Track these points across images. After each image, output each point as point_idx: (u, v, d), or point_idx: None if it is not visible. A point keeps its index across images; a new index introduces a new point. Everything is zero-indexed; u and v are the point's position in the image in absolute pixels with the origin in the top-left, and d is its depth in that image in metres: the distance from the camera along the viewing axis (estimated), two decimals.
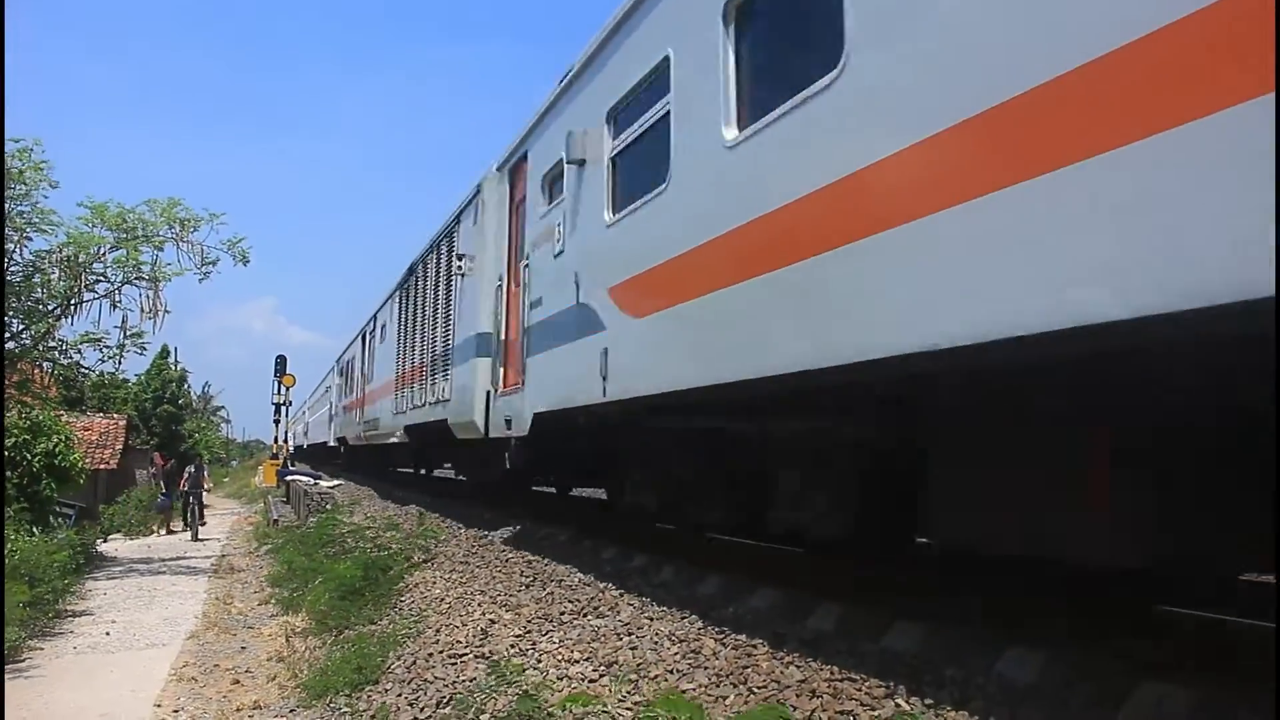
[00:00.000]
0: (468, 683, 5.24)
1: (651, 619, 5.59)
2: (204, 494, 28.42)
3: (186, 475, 25.28)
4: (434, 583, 8.53)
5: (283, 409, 34.82)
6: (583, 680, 4.77)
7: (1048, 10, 2.96)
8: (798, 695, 3.90)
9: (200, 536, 23.47)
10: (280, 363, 34.28)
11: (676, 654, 4.82)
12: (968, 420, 4.16)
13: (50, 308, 15.61)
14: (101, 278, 15.83)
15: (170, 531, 26.06)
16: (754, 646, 4.66)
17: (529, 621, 6.24)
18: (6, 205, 14.22)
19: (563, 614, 6.22)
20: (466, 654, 5.86)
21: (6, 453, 15.12)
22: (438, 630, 6.71)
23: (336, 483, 23.29)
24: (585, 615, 6.09)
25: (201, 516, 27.57)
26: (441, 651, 6.10)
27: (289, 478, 26.05)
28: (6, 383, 15.43)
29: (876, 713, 3.58)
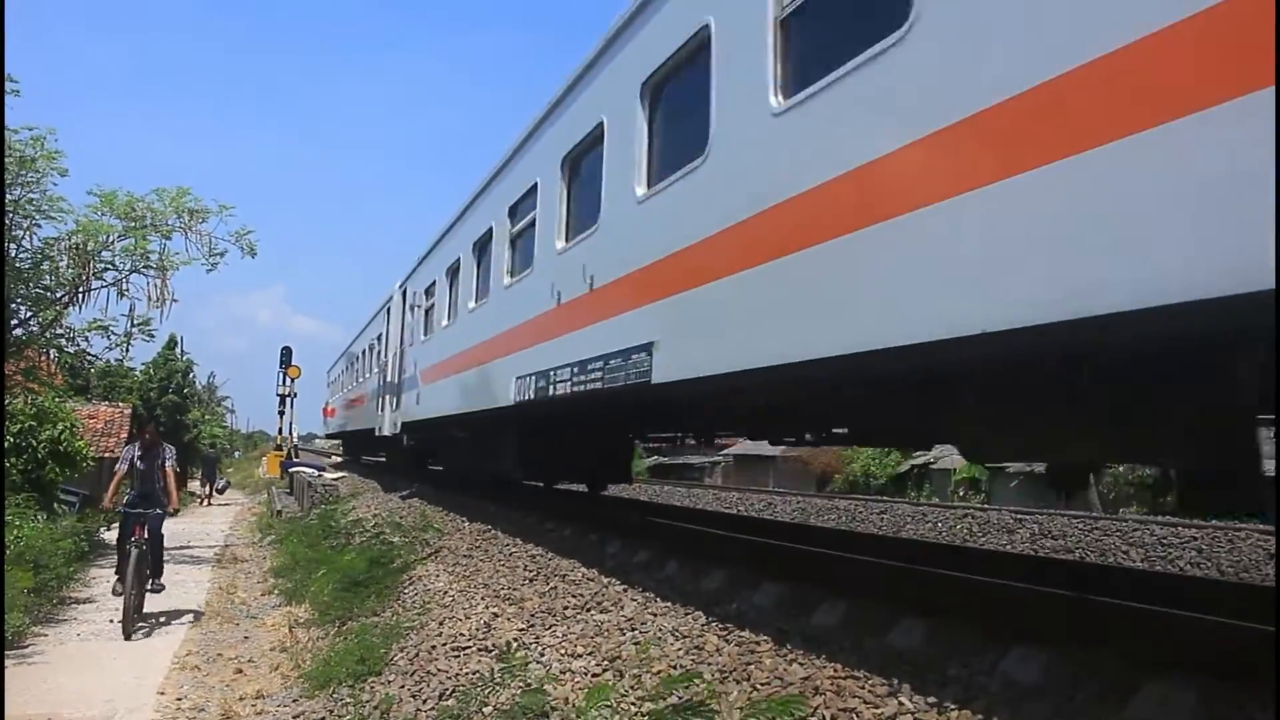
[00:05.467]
0: (471, 675, 5.26)
1: (655, 614, 5.60)
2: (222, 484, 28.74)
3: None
4: (437, 575, 8.55)
5: (287, 400, 34.88)
6: (586, 675, 4.78)
7: None
8: (800, 692, 3.91)
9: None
10: (285, 354, 34.32)
11: (680, 650, 4.83)
12: None
13: (58, 295, 15.66)
14: (109, 266, 15.88)
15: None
16: (757, 643, 4.67)
17: (532, 615, 6.25)
18: (17, 192, 14.26)
19: (566, 608, 6.23)
20: (470, 647, 5.88)
21: (12, 439, 15.16)
22: (441, 623, 6.73)
23: (340, 475, 23.32)
24: (589, 610, 6.09)
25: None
26: (445, 644, 6.12)
27: (293, 469, 26.09)
28: (14, 369, 15.48)
29: (880, 710, 3.58)
